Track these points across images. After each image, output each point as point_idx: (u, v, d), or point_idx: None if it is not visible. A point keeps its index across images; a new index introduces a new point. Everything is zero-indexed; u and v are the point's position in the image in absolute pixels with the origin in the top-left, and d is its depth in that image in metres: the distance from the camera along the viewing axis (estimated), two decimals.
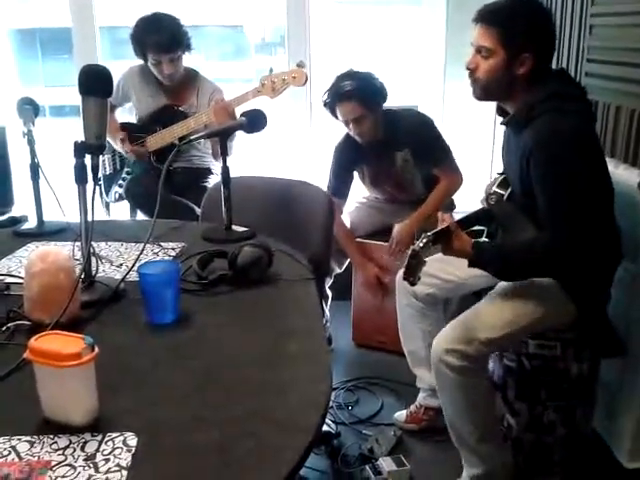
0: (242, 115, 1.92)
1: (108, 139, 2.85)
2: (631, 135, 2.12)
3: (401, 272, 1.70)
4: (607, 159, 1.77)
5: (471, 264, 1.75)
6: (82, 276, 1.38)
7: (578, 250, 1.65)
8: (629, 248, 1.82)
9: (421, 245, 1.65)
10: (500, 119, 1.88)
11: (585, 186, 1.64)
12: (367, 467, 2.05)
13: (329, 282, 2.89)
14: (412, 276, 1.64)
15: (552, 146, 1.64)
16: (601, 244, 1.67)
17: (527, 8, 1.76)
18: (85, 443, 0.93)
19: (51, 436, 0.94)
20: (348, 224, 2.86)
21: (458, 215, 1.93)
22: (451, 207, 2.86)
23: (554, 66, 1.84)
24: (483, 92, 1.79)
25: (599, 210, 1.68)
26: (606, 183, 1.74)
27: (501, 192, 1.88)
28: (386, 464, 2.04)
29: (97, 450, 0.92)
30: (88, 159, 1.40)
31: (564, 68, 1.93)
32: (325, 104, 2.62)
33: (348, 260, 2.87)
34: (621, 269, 1.82)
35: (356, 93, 2.53)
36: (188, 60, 2.82)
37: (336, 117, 2.63)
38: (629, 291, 1.93)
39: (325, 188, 2.62)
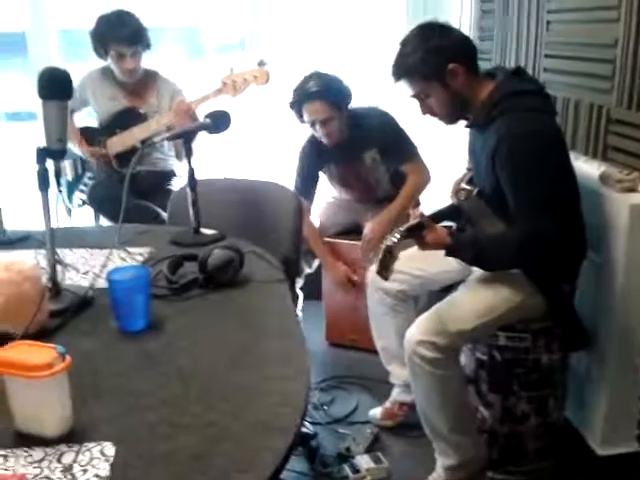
0: (206, 116, 1.90)
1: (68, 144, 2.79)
2: (590, 128, 2.16)
3: (372, 269, 1.71)
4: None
5: (448, 253, 1.77)
6: (49, 285, 1.34)
7: (545, 244, 1.68)
8: (592, 240, 1.85)
9: (395, 240, 1.67)
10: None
11: (550, 181, 1.67)
12: (345, 466, 2.05)
13: (300, 282, 2.88)
14: (385, 270, 1.68)
15: (516, 144, 1.67)
16: (568, 237, 1.71)
17: (417, 37, 1.81)
18: (61, 454, 0.91)
19: (25, 449, 0.92)
20: (317, 224, 2.85)
21: (427, 211, 1.95)
22: (416, 204, 2.88)
23: (513, 63, 1.87)
24: (450, 119, 1.87)
25: (565, 204, 1.71)
26: (571, 176, 1.78)
27: (470, 188, 1.90)
28: (364, 462, 2.04)
29: (74, 461, 0.89)
30: (49, 164, 1.36)
31: (520, 66, 1.96)
32: (291, 105, 2.60)
33: (318, 260, 2.86)
34: (586, 261, 1.86)
35: (323, 93, 2.52)
36: (147, 62, 2.78)
37: (302, 118, 2.61)
38: (594, 282, 1.96)
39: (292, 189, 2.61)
